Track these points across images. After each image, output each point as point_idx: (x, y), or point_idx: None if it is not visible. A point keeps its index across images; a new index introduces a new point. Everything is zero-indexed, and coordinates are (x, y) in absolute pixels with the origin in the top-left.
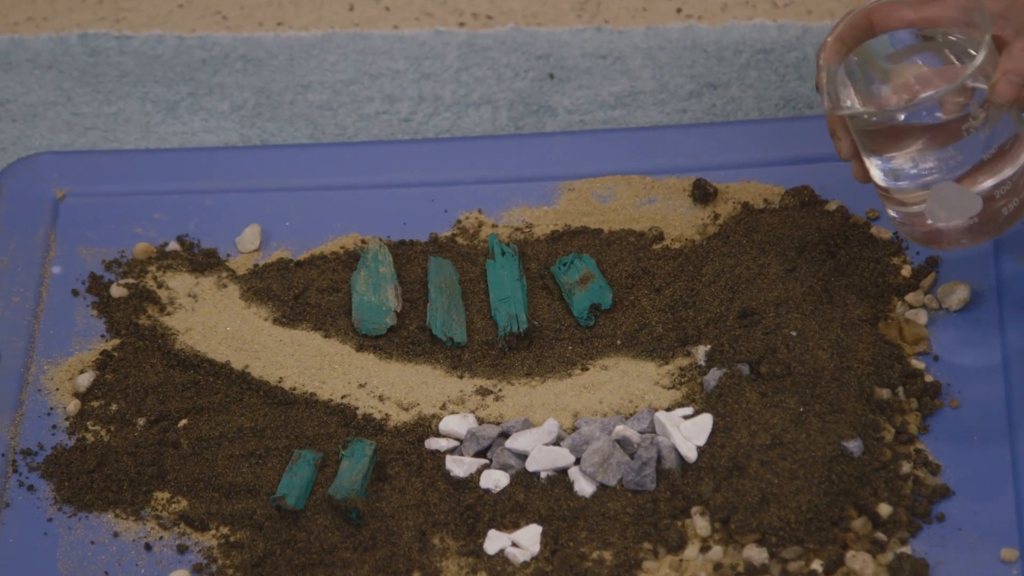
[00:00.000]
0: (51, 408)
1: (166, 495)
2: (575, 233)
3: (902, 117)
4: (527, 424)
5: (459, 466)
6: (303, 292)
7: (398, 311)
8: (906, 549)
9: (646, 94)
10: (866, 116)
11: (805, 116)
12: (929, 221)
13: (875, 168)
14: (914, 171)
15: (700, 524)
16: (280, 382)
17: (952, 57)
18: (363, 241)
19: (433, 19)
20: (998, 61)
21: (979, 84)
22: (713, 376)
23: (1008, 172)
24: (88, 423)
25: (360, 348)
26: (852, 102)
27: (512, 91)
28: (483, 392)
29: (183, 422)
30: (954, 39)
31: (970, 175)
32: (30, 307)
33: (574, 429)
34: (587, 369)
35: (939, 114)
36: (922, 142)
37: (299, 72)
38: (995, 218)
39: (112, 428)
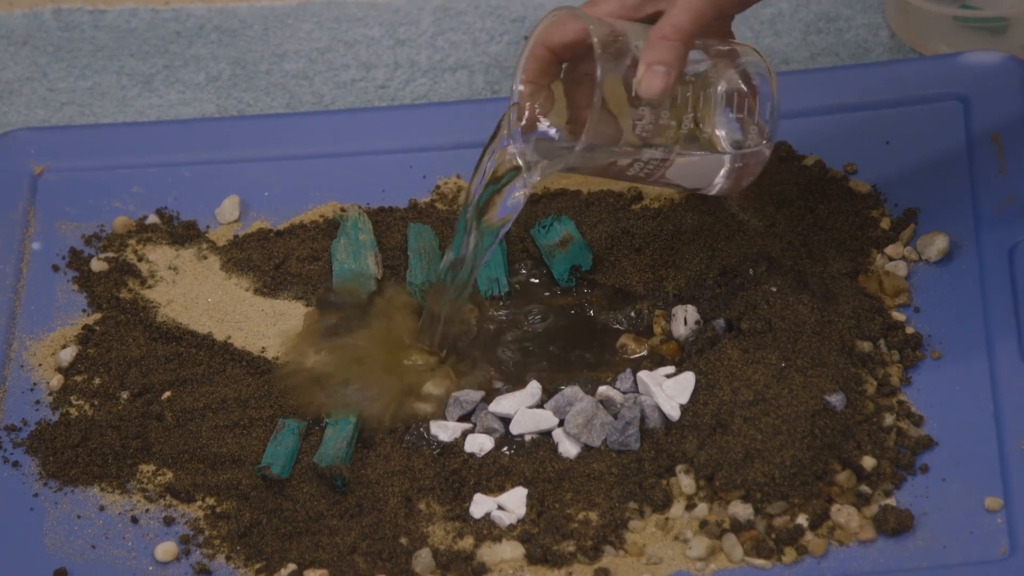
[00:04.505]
0: (34, 384)
1: (151, 468)
2: (554, 195)
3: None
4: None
5: (443, 431)
6: (284, 262)
7: (379, 278)
8: (891, 501)
9: None
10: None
11: (780, 71)
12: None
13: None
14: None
15: (685, 482)
16: (263, 352)
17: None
18: (342, 209)
19: None
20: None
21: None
22: (690, 331)
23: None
24: (72, 398)
25: None
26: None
27: (488, 55)
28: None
29: (167, 394)
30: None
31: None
32: (11, 283)
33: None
34: None
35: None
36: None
37: (274, 42)
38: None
39: (96, 402)
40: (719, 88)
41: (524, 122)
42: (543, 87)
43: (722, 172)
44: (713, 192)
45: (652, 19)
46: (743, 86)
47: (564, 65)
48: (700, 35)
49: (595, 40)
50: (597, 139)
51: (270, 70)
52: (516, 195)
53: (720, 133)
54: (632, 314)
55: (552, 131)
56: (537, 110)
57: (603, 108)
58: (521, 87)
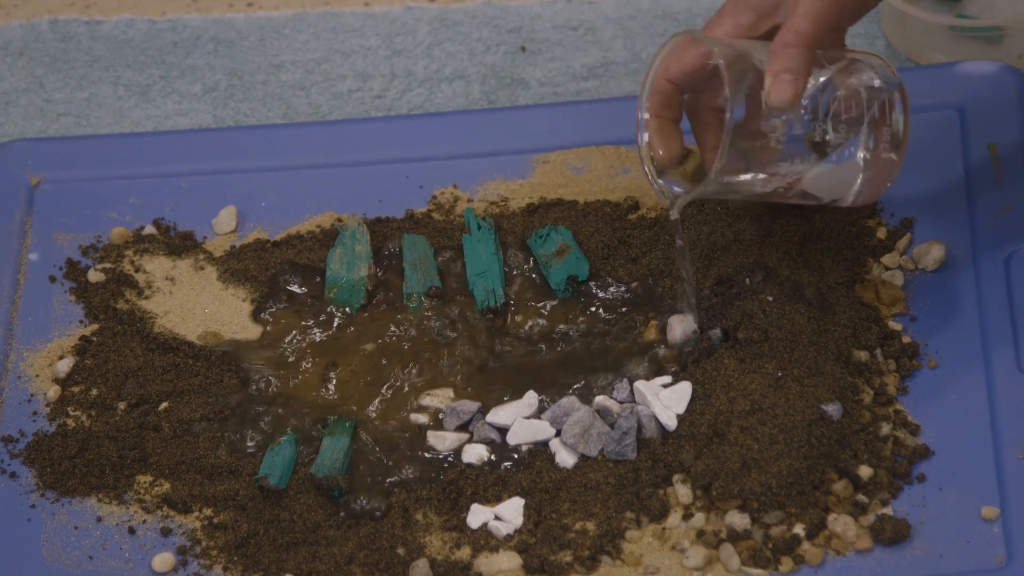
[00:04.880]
0: (31, 395)
1: (148, 478)
2: (551, 205)
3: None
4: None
5: (441, 441)
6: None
7: (370, 289)
8: (887, 510)
9: (618, 64)
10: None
11: None
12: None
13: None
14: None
15: (682, 492)
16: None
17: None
18: (339, 219)
19: None
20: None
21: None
22: (686, 341)
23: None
24: (69, 408)
25: None
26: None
27: (484, 65)
28: None
29: (164, 405)
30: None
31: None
32: (8, 294)
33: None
34: None
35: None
36: (756, 171)
37: (271, 52)
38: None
39: (93, 413)
40: (848, 96)
41: (655, 167)
42: (668, 121)
43: (859, 180)
44: (849, 202)
45: (770, 36)
46: (872, 94)
47: (686, 97)
48: (822, 41)
49: (721, 62)
50: (728, 169)
51: (267, 80)
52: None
53: (855, 141)
54: (626, 322)
55: (678, 188)
56: (663, 155)
57: (734, 133)
58: (646, 116)
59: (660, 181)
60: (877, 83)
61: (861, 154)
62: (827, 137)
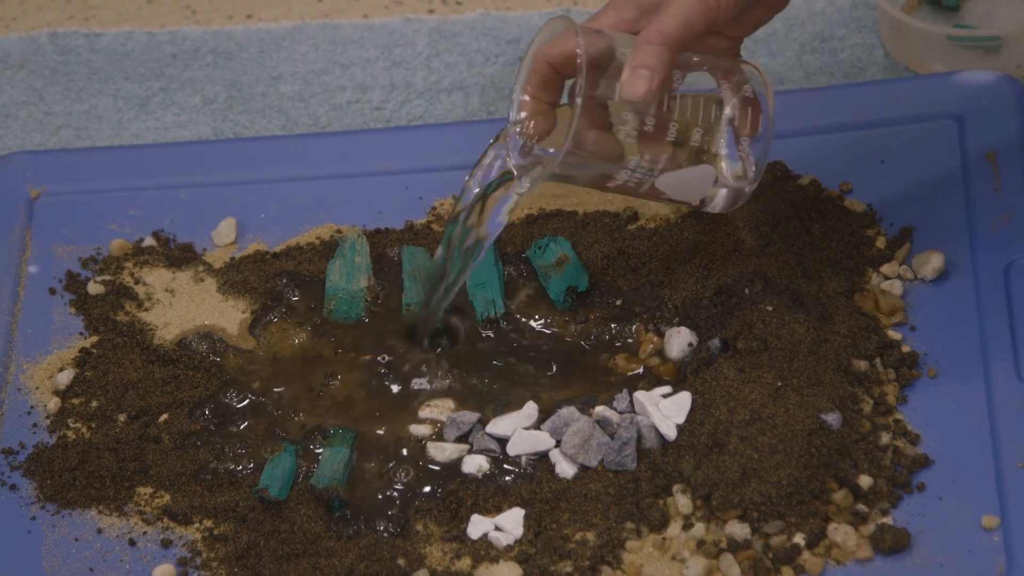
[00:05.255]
0: (31, 407)
1: (149, 490)
2: (550, 216)
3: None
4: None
5: (440, 452)
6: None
7: (368, 300)
8: (887, 520)
9: None
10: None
11: (775, 91)
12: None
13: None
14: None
15: (682, 502)
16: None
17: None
18: (338, 231)
19: (402, 7)
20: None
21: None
22: (685, 351)
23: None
24: (69, 420)
25: None
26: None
27: (483, 76)
28: None
29: (164, 417)
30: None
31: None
32: (7, 307)
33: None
34: None
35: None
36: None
37: (270, 64)
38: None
39: (93, 425)
40: (709, 100)
41: (521, 138)
42: (544, 104)
43: (709, 185)
44: (707, 208)
45: None
46: (736, 102)
47: (568, 83)
48: (689, 43)
49: (579, 49)
50: (581, 146)
51: (266, 92)
52: (505, 207)
53: (717, 148)
54: (622, 334)
55: (550, 151)
56: (532, 128)
57: (586, 114)
58: (525, 97)
59: (518, 156)
60: (747, 93)
61: (715, 161)
62: (682, 138)
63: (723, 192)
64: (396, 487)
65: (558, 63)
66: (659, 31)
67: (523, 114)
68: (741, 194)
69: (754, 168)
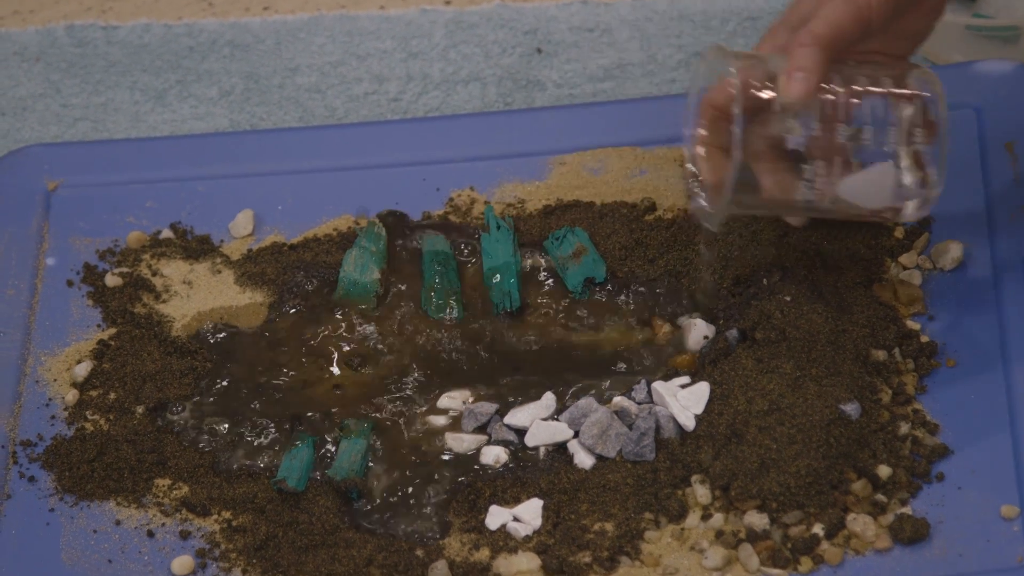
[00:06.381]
0: (50, 399)
1: (167, 482)
2: (567, 207)
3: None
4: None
5: (459, 443)
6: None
7: (379, 293)
8: (906, 510)
9: (634, 66)
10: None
11: None
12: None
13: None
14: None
15: (700, 492)
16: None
17: None
18: (355, 222)
19: None
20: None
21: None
22: (701, 343)
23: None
24: (87, 412)
25: None
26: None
27: (500, 67)
28: None
29: (181, 408)
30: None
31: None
32: (25, 299)
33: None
34: None
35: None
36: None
37: (287, 56)
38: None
39: (111, 417)
40: (876, 103)
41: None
42: (715, 149)
43: (893, 185)
44: (899, 219)
45: None
46: (911, 107)
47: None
48: (842, 45)
49: (735, 81)
50: (750, 180)
51: (283, 84)
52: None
53: (892, 150)
54: (643, 324)
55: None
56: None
57: (750, 142)
58: (700, 150)
59: (702, 199)
60: (919, 96)
61: (893, 160)
62: (855, 139)
63: (911, 204)
64: (415, 481)
65: (724, 106)
66: (811, 33)
67: (700, 152)
68: (927, 200)
69: (936, 173)
